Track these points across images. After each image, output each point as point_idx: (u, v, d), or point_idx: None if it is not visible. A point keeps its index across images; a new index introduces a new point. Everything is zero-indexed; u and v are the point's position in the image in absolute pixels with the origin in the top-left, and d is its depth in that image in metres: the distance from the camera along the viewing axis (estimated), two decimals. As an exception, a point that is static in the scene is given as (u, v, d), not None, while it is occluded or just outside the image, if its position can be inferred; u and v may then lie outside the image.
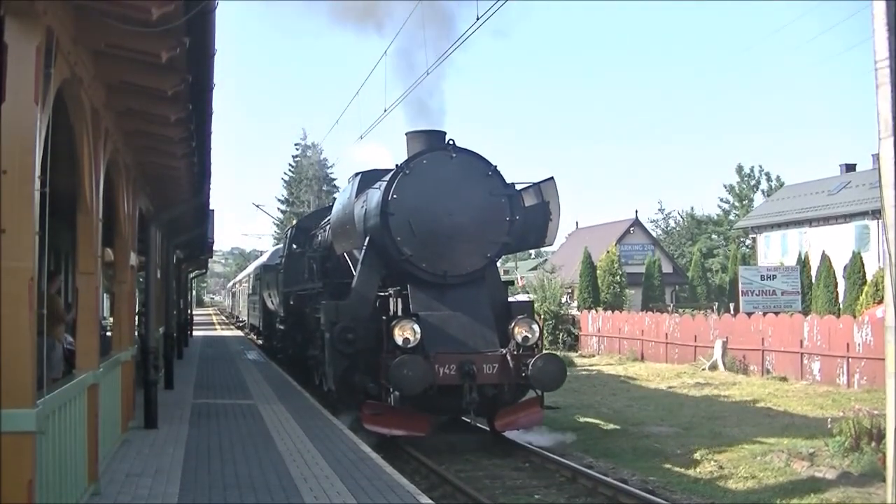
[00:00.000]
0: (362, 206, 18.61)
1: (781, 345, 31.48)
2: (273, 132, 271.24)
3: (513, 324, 17.04)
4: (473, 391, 15.88)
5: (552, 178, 18.96)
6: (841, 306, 47.69)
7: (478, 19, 15.44)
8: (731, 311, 45.90)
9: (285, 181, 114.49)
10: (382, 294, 18.21)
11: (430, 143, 18.34)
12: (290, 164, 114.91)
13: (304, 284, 24.34)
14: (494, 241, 18.10)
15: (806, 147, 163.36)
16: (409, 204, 17.57)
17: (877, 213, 44.71)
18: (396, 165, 17.89)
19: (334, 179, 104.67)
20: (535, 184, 19.25)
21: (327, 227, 23.54)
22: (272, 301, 35.44)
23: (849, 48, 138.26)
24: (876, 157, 13.79)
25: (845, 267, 50.37)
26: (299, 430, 15.43)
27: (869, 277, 46.49)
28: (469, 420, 17.93)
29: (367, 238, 18.14)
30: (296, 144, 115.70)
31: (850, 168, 66.11)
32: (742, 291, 46.96)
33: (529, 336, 16.93)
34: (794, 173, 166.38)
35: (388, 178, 17.84)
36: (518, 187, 18.81)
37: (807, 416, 21.70)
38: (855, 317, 34.30)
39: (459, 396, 15.92)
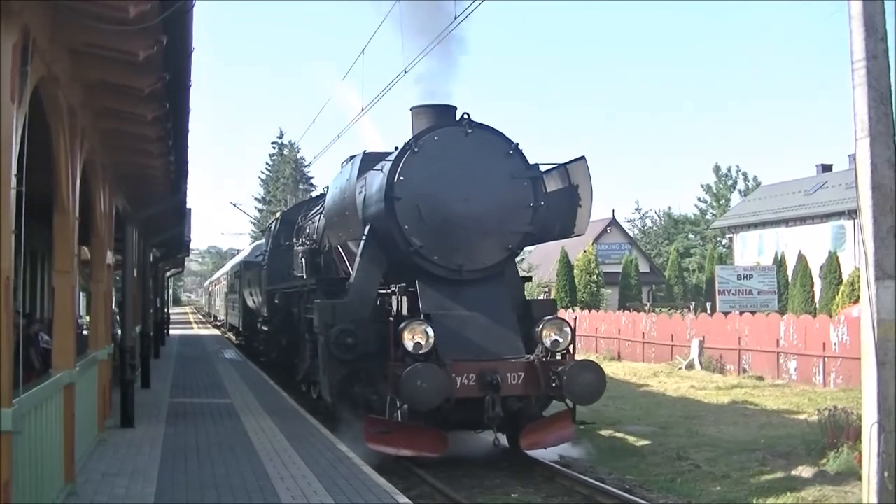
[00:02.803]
0: (361, 191, 16.13)
1: (758, 344, 31.60)
2: (250, 131, 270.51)
3: (540, 326, 14.92)
4: (497, 405, 13.79)
5: (583, 157, 16.43)
6: (817, 306, 48.00)
7: (455, 18, 15.24)
8: (708, 311, 46.04)
9: (262, 180, 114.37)
10: (384, 292, 16.20)
11: (440, 120, 15.99)
12: (266, 163, 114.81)
13: (292, 281, 21.90)
14: (516, 230, 15.86)
15: (783, 147, 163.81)
16: (418, 187, 15.31)
17: (853, 213, 44.97)
18: (402, 144, 15.72)
19: (311, 178, 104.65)
20: (560, 165, 16.79)
21: (317, 218, 21.67)
22: (254, 300, 33.06)
23: (825, 48, 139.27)
24: (852, 158, 13.87)
25: (821, 267, 50.67)
26: (276, 429, 15.44)
27: (845, 277, 46.81)
28: (495, 442, 14.56)
29: (368, 227, 15.94)
30: (273, 143, 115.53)
31: (827, 168, 66.53)
32: (719, 291, 47.09)
33: (560, 340, 14.88)
34: (771, 173, 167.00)
35: (392, 157, 15.62)
36: (541, 169, 16.46)
37: (783, 415, 21.76)
38: (831, 316, 34.49)
39: (479, 410, 13.85)
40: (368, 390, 15.10)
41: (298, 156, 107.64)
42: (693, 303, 64.21)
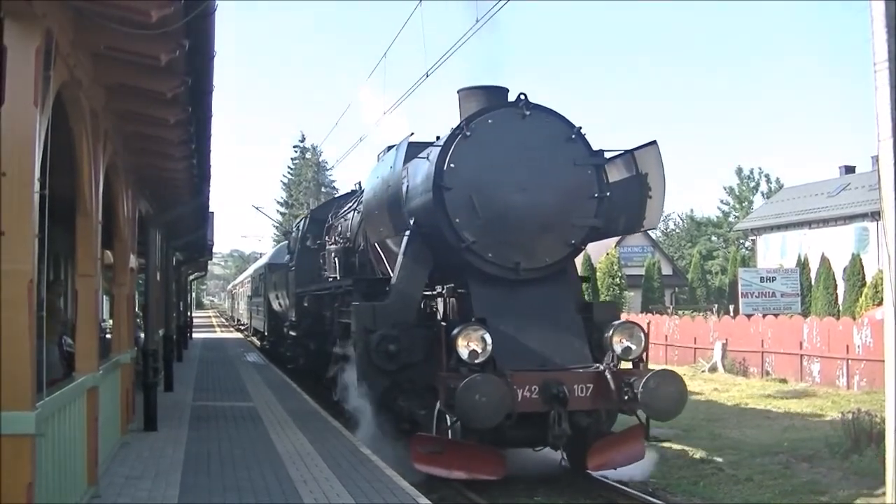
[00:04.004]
0: (404, 181, 14.65)
1: (781, 346, 31.51)
2: (272, 134, 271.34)
3: (609, 331, 13.47)
4: (563, 420, 12.41)
5: (655, 142, 14.71)
6: (840, 308, 47.79)
7: (477, 21, 15.12)
8: (731, 313, 45.99)
9: (284, 183, 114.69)
10: (429, 294, 14.66)
11: (492, 102, 14.61)
12: (288, 167, 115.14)
13: (324, 283, 20.51)
14: (580, 223, 14.39)
15: (806, 149, 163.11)
16: (471, 175, 13.87)
17: (876, 215, 44.70)
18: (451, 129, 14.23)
19: (333, 181, 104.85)
20: (627, 151, 15.08)
21: (351, 215, 20.46)
22: (280, 303, 31.91)
23: (849, 49, 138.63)
24: (875, 159, 13.80)
25: (845, 269, 50.46)
26: (298, 432, 15.43)
27: (868, 279, 46.60)
28: (561, 461, 13.88)
29: (413, 221, 14.50)
30: (294, 147, 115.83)
31: (850, 170, 66.29)
32: (742, 293, 47.05)
33: (632, 347, 13.47)
34: (793, 175, 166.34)
35: (441, 142, 14.14)
36: (606, 156, 15.08)
37: (806, 417, 21.68)
38: (854, 319, 34.39)
39: (542, 426, 12.49)
40: (414, 404, 13.64)
41: (320, 159, 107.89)
42: (716, 305, 64.12)
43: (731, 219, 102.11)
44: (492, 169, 13.94)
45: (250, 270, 56.63)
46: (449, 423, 12.69)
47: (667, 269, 78.64)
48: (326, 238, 22.55)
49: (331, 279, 19.67)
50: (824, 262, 51.32)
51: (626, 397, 12.68)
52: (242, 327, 61.87)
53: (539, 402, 12.51)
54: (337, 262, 19.51)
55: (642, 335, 13.56)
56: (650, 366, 13.69)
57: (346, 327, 15.98)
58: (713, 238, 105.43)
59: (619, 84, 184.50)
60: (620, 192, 14.79)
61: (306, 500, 10.27)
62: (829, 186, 64.32)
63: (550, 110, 14.41)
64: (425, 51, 20.47)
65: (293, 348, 27.85)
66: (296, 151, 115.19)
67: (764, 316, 37.56)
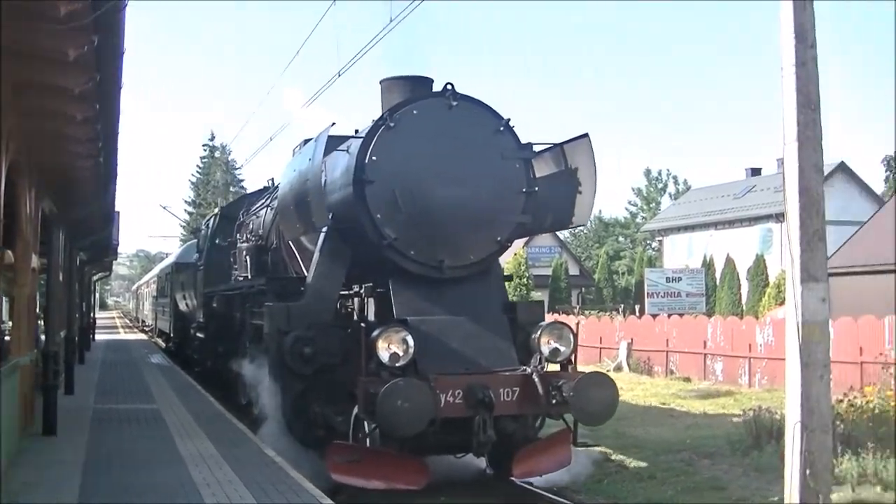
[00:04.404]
0: (323, 175, 13.55)
1: (685, 346, 32.00)
2: (182, 132, 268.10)
3: (537, 332, 12.94)
4: (489, 426, 11.74)
5: (586, 135, 14.21)
6: (744, 308, 48.69)
7: (391, 20, 14.99)
8: (637, 313, 46.49)
9: (192, 183, 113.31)
10: (346, 293, 14.12)
11: (417, 94, 13.84)
12: (197, 166, 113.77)
13: (234, 282, 19.65)
14: (508, 219, 13.77)
15: (713, 151, 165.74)
16: (394, 169, 13.14)
17: (780, 217, 45.56)
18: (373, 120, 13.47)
19: (242, 181, 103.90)
20: (556, 145, 14.53)
21: (264, 212, 19.67)
22: (188, 303, 30.56)
23: (757, 54, 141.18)
24: (780, 162, 14.11)
25: (749, 269, 51.42)
26: (202, 434, 15.24)
27: (772, 279, 47.64)
28: (487, 469, 13.41)
29: (331, 216, 13.51)
30: (204, 145, 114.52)
31: (756, 172, 67.83)
32: (647, 293, 47.72)
33: (561, 348, 12.91)
34: (701, 177, 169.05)
35: (363, 132, 13.45)
36: (535, 149, 14.45)
37: (709, 415, 22.03)
38: (757, 318, 35.06)
39: (466, 432, 11.81)
40: (330, 409, 12.85)
41: (230, 158, 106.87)
42: (622, 305, 64.86)
43: (638, 220, 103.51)
44: (416, 162, 13.29)
45: (156, 270, 55.40)
46: (367, 431, 12.03)
47: (574, 270, 79.40)
48: (238, 236, 21.74)
49: (242, 278, 18.86)
50: (729, 262, 52.43)
51: (554, 401, 12.13)
52: (147, 328, 60.89)
53: (463, 408, 11.80)
54: (248, 260, 18.54)
55: (571, 336, 13.00)
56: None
57: (258, 329, 15.42)
58: (620, 239, 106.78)
59: (529, 82, 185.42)
60: (548, 187, 14.30)
61: (208, 501, 10.18)
62: (735, 188, 65.59)
63: (478, 101, 13.81)
64: (338, 51, 20.30)
65: (200, 350, 26.91)
66: (205, 150, 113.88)
67: (669, 316, 38.20)
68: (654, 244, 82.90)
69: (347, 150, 13.57)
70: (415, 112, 13.43)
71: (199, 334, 26.62)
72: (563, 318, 43.06)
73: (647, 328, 35.09)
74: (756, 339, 28.47)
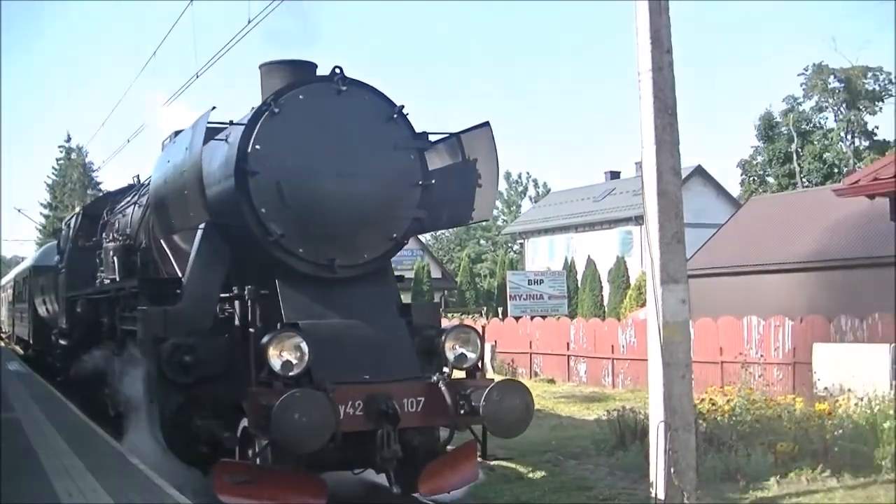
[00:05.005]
0: (198, 167, 11.85)
1: (549, 347, 32.30)
2: (35, 133, 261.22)
3: (442, 336, 12.06)
4: (394, 440, 10.75)
5: (487, 124, 13.20)
6: (606, 309, 49.52)
7: (249, 22, 14.76)
8: (500, 316, 46.77)
9: (49, 185, 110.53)
10: (226, 296, 12.86)
11: (300, 79, 12.66)
12: (53, 168, 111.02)
13: (100, 286, 18.09)
14: (402, 215, 12.80)
15: (572, 155, 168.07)
16: (280, 159, 12.01)
17: (639, 219, 46.53)
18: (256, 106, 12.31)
19: (99, 183, 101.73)
20: (452, 135, 13.54)
21: (128, 210, 18.35)
22: (48, 308, 28.62)
23: (614, 59, 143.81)
24: (639, 165, 14.36)
25: (610, 271, 52.31)
26: (64, 443, 14.83)
27: (632, 281, 48.56)
28: (394, 488, 11.71)
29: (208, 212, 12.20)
30: (59, 147, 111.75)
31: (615, 175, 69.25)
32: (510, 296, 48.02)
33: (468, 353, 11.96)
34: (560, 180, 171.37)
35: (244, 120, 12.26)
36: (431, 139, 13.44)
37: (574, 416, 22.31)
38: (619, 319, 35.65)
39: (366, 446, 10.81)
40: (215, 424, 11.61)
41: (87, 160, 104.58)
42: (485, 308, 65.20)
43: (499, 222, 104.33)
44: (303, 152, 12.15)
45: (12, 274, 53.28)
46: (259, 447, 10.86)
47: (436, 273, 79.52)
48: (103, 236, 20.14)
49: (108, 281, 17.36)
50: (590, 264, 53.32)
51: (462, 412, 11.18)
52: (4, 335, 59.07)
53: (364, 420, 10.78)
54: (116, 261, 17.04)
55: (479, 340, 12.05)
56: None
57: (128, 335, 14.20)
58: (482, 241, 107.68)
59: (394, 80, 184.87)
60: (443, 180, 13.24)
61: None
62: (595, 191, 66.72)
63: (369, 87, 12.75)
64: (196, 52, 19.89)
65: (63, 359, 24.83)
66: (61, 152, 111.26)
67: (532, 318, 38.48)
68: (516, 247, 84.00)
69: (226, 140, 12.31)
70: (301, 97, 12.27)
71: (61, 341, 24.63)
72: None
73: (511, 330, 35.29)
74: (619, 340, 28.92)
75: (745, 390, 16.08)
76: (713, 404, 15.28)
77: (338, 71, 12.41)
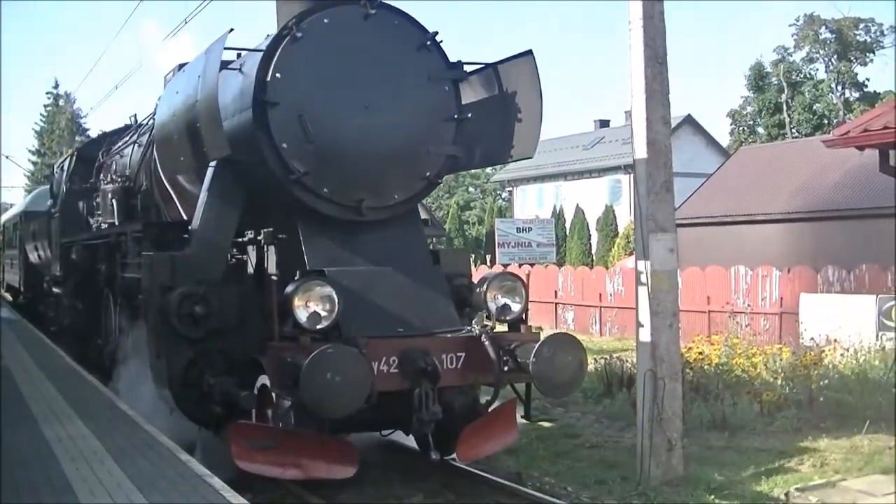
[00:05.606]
0: (214, 95, 10.26)
1: (536, 295, 32.18)
2: (23, 79, 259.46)
3: (483, 285, 10.82)
4: (433, 400, 9.59)
5: (530, 52, 11.92)
6: (594, 258, 49.59)
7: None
8: (488, 263, 46.80)
9: (37, 132, 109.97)
10: (240, 241, 11.41)
11: (318, 5, 11.03)
12: (41, 114, 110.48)
13: (98, 230, 16.90)
14: (436, 152, 11.45)
15: (563, 102, 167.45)
16: (302, 90, 10.70)
17: (629, 168, 46.45)
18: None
19: (87, 130, 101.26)
20: (489, 65, 12.26)
21: (127, 151, 17.13)
22: (40, 255, 27.52)
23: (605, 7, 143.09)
24: (628, 114, 14.34)
25: (598, 220, 52.34)
26: (53, 390, 14.78)
27: (621, 230, 48.61)
28: (433, 454, 10.19)
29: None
30: (47, 93, 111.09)
31: (605, 124, 69.02)
32: (498, 243, 47.91)
33: (511, 304, 10.77)
34: (550, 128, 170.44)
35: (264, 45, 10.90)
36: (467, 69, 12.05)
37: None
38: (607, 268, 35.75)
39: (399, 406, 9.69)
40: (229, 381, 10.28)
41: (75, 107, 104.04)
42: (473, 255, 65.29)
43: (488, 170, 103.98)
44: (328, 81, 10.86)
45: (1, 220, 52.89)
46: (281, 408, 9.89)
47: (424, 219, 79.36)
48: (100, 178, 18.72)
49: (106, 225, 16.14)
50: (579, 212, 53.35)
51: (506, 368, 10.05)
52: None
53: (400, 379, 9.70)
54: (115, 204, 15.81)
55: (524, 290, 10.93)
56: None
57: (131, 283, 12.99)
58: (471, 189, 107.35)
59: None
60: (477, 115, 11.95)
61: (66, 468, 9.81)
62: (584, 140, 66.56)
63: (399, 11, 11.35)
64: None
65: (57, 307, 24.03)
66: (49, 98, 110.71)
67: (520, 265, 38.50)
68: (505, 195, 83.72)
69: (241, 70, 11.08)
70: (325, 21, 10.87)
71: (55, 289, 23.82)
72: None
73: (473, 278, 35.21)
74: (606, 288, 29.02)
75: (732, 340, 16.16)
76: (700, 354, 15.34)
77: None
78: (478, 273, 13.80)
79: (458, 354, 10.01)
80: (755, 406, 13.85)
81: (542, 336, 10.41)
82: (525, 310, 10.86)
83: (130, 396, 13.15)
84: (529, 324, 10.88)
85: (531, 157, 12.38)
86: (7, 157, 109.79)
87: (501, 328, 10.89)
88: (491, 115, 12.07)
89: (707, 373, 14.82)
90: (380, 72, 11.02)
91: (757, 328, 21.12)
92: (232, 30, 10.27)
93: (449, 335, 10.20)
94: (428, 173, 11.46)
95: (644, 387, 11.07)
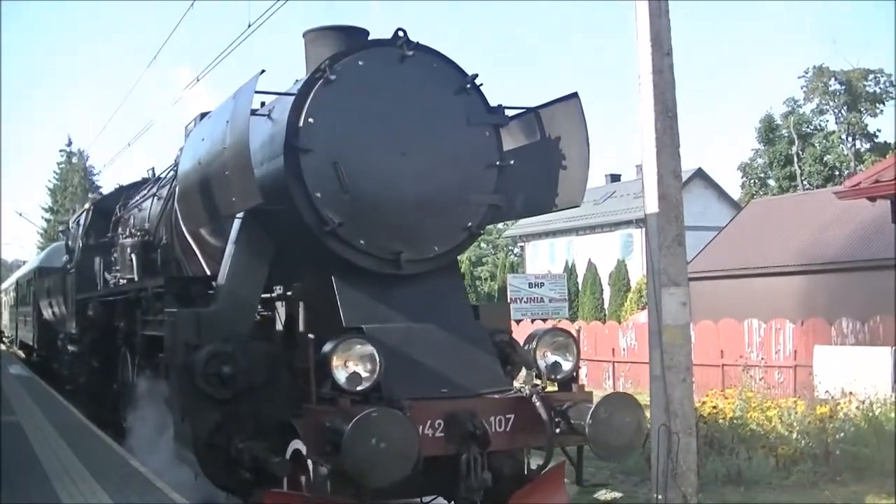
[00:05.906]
0: (244, 139, 9.63)
1: (550, 351, 32.19)
2: (36, 137, 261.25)
3: (533, 342, 9.86)
4: (482, 466, 8.76)
5: (575, 95, 11.05)
6: (607, 312, 49.49)
7: (249, 26, 14.56)
8: (505, 319, 46.75)
9: (50, 189, 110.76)
10: (268, 296, 10.89)
11: (354, 46, 10.50)
12: (54, 172, 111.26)
13: (116, 286, 16.25)
14: (477, 201, 10.69)
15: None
16: (337, 135, 10.00)
17: (640, 222, 46.54)
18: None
19: (100, 187, 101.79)
20: (532, 109, 11.49)
21: (145, 204, 16.60)
22: (55, 311, 26.91)
23: (615, 63, 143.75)
24: (639, 168, 14.35)
25: (611, 274, 52.26)
26: (65, 445, 14.75)
27: (633, 284, 48.53)
28: None
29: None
30: (61, 150, 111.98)
31: (616, 178, 69.10)
32: (511, 299, 47.78)
33: (562, 362, 9.86)
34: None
35: (294, 89, 10.27)
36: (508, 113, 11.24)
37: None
38: (620, 322, 35.63)
39: (448, 472, 8.86)
40: (261, 447, 9.65)
41: (88, 164, 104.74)
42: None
43: (500, 226, 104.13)
44: (364, 127, 10.17)
45: (14, 277, 52.61)
46: (316, 475, 9.08)
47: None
48: (119, 232, 18.47)
49: (125, 281, 15.58)
50: (591, 267, 53.27)
51: (558, 430, 9.20)
52: (7, 339, 58.55)
53: (445, 443, 8.85)
54: (134, 259, 15.27)
55: (575, 347, 10.06)
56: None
57: (152, 341, 12.45)
58: (482, 245, 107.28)
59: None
60: (518, 162, 11.18)
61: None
62: (595, 194, 66.54)
63: (437, 52, 10.70)
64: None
65: (72, 366, 23.00)
66: (62, 156, 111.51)
67: (533, 321, 38.42)
68: (516, 250, 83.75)
69: (269, 116, 10.52)
70: (360, 63, 10.24)
71: (70, 347, 22.92)
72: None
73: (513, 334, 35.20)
74: (619, 343, 28.96)
75: (746, 393, 16.07)
76: (714, 408, 15.25)
77: (401, 34, 10.35)
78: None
79: (507, 416, 9.22)
80: (770, 460, 13.72)
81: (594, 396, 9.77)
82: (577, 367, 10.09)
83: (149, 458, 12.66)
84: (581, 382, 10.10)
85: (578, 206, 11.48)
86: (20, 215, 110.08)
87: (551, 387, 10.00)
88: (534, 161, 11.36)
89: (721, 427, 14.70)
90: (417, 116, 10.40)
91: (771, 381, 20.99)
92: (263, 71, 9.67)
93: (497, 396, 9.42)
94: (469, 223, 10.67)
95: (658, 441, 11.00)
